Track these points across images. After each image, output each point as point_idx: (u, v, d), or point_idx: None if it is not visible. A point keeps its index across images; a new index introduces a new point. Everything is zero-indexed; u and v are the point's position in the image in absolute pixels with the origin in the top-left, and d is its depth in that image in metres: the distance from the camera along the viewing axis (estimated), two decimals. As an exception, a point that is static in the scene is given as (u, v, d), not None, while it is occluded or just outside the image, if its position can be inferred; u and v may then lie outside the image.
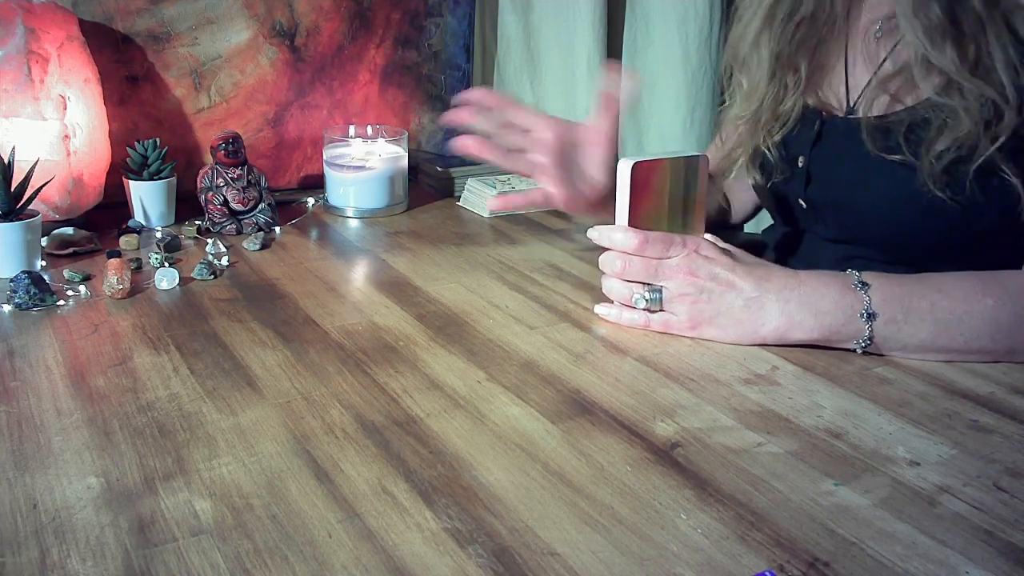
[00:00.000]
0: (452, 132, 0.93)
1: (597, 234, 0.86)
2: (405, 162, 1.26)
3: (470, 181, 1.28)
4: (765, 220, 1.13)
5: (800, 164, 0.94)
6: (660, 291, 0.82)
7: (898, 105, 0.86)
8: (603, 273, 0.86)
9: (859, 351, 0.78)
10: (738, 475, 0.61)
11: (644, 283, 0.83)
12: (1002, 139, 0.78)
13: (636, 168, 0.84)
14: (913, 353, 0.78)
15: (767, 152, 0.96)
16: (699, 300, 0.81)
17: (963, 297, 0.76)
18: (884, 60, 0.89)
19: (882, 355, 0.79)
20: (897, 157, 0.83)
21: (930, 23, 0.79)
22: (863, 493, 0.59)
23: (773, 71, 0.94)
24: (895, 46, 0.88)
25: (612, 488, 0.59)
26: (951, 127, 0.80)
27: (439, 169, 1.35)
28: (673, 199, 0.86)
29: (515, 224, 1.20)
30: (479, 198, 1.25)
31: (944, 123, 0.80)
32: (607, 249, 0.85)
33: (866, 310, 0.76)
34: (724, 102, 1.06)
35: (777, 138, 0.95)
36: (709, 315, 0.81)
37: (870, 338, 0.77)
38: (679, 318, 0.82)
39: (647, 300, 0.83)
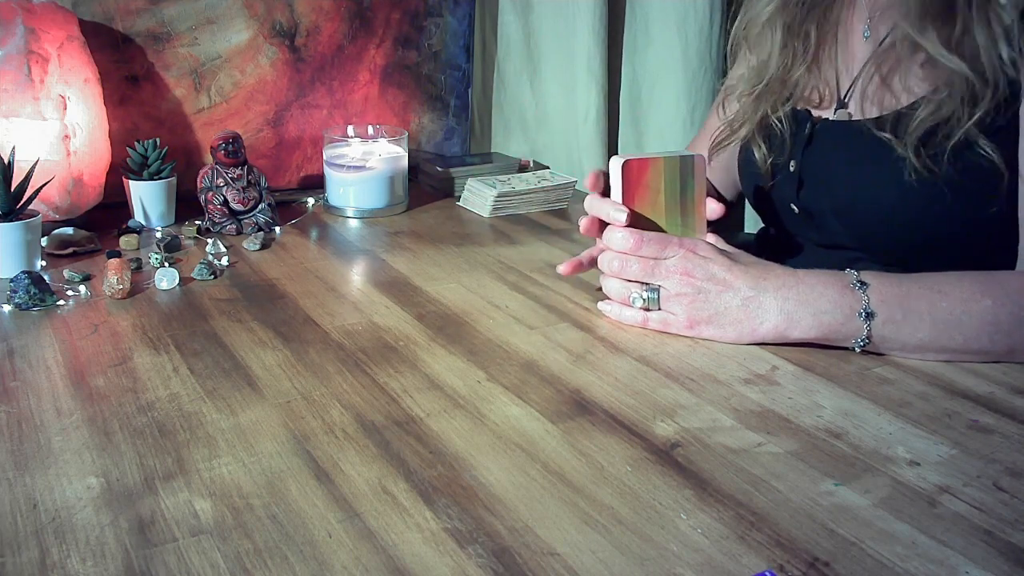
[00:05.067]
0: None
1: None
2: (405, 162, 1.26)
3: (470, 181, 1.28)
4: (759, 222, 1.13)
5: (792, 168, 0.94)
6: (657, 290, 0.83)
7: (892, 104, 0.86)
8: (602, 272, 0.87)
9: (857, 350, 0.78)
10: (738, 475, 0.61)
11: (642, 283, 0.84)
12: (977, 115, 0.79)
13: (627, 166, 0.84)
14: (912, 353, 0.78)
15: (774, 124, 0.96)
16: (696, 300, 0.81)
17: (962, 298, 0.76)
18: (870, 59, 0.89)
19: (881, 354, 0.79)
20: (885, 135, 0.84)
21: (919, 2, 0.81)
22: (863, 493, 0.59)
23: (785, 42, 0.95)
24: (883, 42, 0.88)
25: (612, 488, 0.59)
26: (932, 102, 0.81)
27: (439, 169, 1.35)
28: (669, 198, 0.86)
29: (515, 224, 1.20)
30: (479, 198, 1.25)
31: (927, 99, 0.82)
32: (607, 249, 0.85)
33: (864, 309, 0.76)
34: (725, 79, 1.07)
35: (784, 110, 0.95)
36: (707, 315, 0.81)
37: (868, 337, 0.77)
38: (677, 317, 0.82)
39: (644, 299, 0.83)
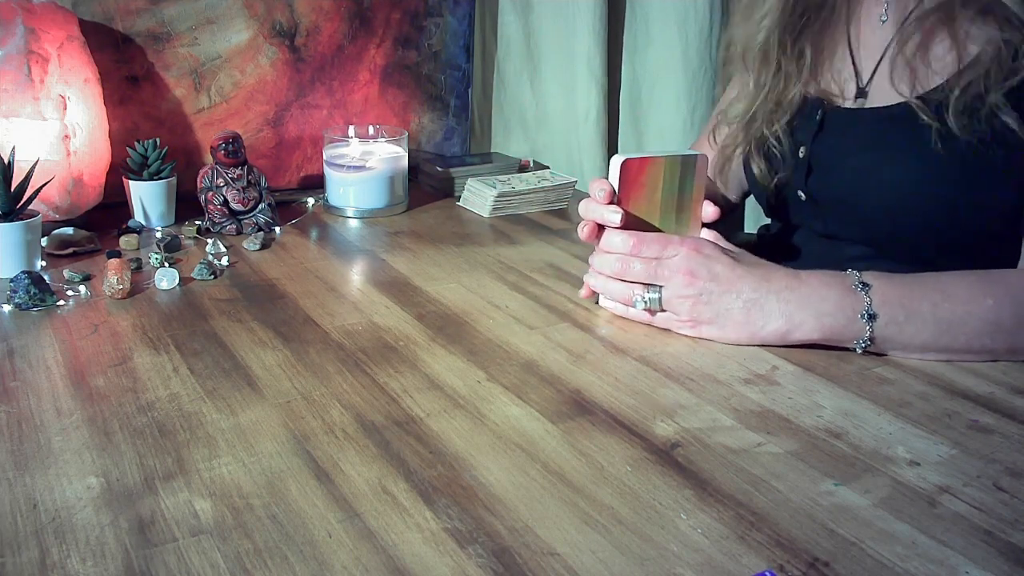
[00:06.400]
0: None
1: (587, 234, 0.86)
2: (405, 162, 1.26)
3: (470, 181, 1.28)
4: (763, 219, 1.13)
5: (801, 155, 0.94)
6: (659, 291, 0.82)
7: (923, 80, 0.86)
8: (596, 273, 0.87)
9: (859, 351, 0.78)
10: (738, 475, 0.61)
11: (643, 284, 0.83)
12: (1015, 80, 0.78)
13: (625, 165, 0.84)
14: (913, 353, 0.78)
15: (771, 143, 0.96)
16: (699, 302, 0.80)
17: (964, 298, 0.76)
18: (890, 43, 0.89)
19: (882, 354, 0.79)
20: (917, 102, 0.82)
21: None
22: (863, 493, 0.59)
23: (779, 62, 0.95)
24: (903, 23, 0.88)
25: (612, 488, 0.59)
26: (982, 58, 0.81)
27: (439, 169, 1.35)
28: (666, 197, 0.86)
29: (515, 224, 1.20)
30: (479, 198, 1.25)
31: (969, 68, 0.81)
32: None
33: (867, 311, 0.76)
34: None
35: (780, 126, 0.95)
36: (709, 316, 0.81)
37: (871, 339, 0.77)
38: (680, 318, 0.82)
39: (646, 301, 0.83)
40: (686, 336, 0.83)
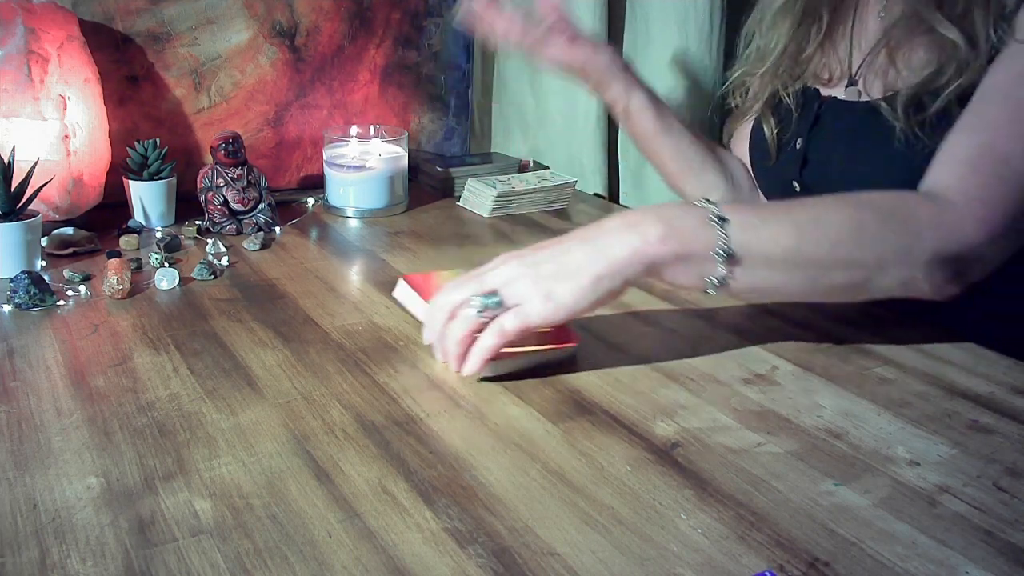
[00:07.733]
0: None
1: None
2: (405, 162, 1.26)
3: (470, 181, 1.28)
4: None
5: (797, 146, 0.96)
6: (496, 293, 0.72)
7: (895, 80, 0.89)
8: (432, 340, 0.76)
9: (721, 268, 0.70)
10: (738, 475, 0.61)
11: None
12: (958, 83, 0.81)
13: (410, 281, 0.82)
14: (780, 271, 0.72)
15: (784, 100, 0.98)
16: (538, 271, 0.71)
17: (818, 203, 0.74)
18: (882, 37, 0.91)
19: (750, 291, 0.73)
20: (876, 100, 0.85)
21: None
22: (863, 493, 0.59)
23: (799, 23, 0.98)
24: (893, 25, 0.90)
25: (612, 488, 0.59)
26: (929, 67, 0.84)
27: (439, 169, 1.35)
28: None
29: (515, 224, 1.20)
30: (479, 198, 1.25)
31: (931, 76, 0.84)
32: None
33: (716, 215, 0.70)
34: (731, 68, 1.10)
35: (797, 86, 0.98)
36: (552, 271, 0.71)
37: (728, 247, 0.70)
38: (530, 301, 0.71)
39: (487, 304, 0.71)
40: (684, 336, 0.82)
